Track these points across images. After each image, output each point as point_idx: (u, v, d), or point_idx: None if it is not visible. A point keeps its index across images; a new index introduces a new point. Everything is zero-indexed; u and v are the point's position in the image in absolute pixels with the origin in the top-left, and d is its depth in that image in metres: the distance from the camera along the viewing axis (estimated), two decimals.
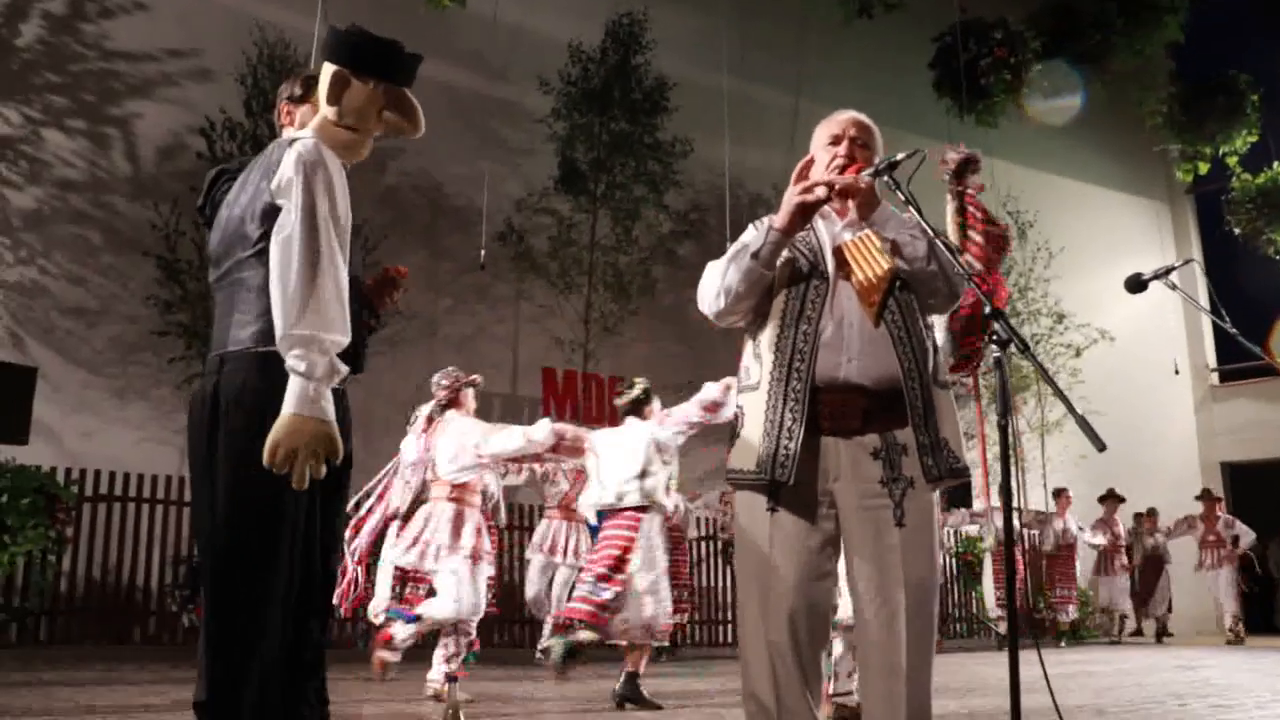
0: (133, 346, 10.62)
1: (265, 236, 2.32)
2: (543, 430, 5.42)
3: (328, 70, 2.46)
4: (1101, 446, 2.25)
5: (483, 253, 11.55)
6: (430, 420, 5.96)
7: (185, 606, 9.45)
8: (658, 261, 13.52)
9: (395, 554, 5.92)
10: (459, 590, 5.58)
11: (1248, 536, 13.81)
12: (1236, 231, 16.73)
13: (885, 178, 2.65)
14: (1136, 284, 3.73)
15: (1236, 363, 18.49)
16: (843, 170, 2.73)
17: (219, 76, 11.09)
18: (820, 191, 2.65)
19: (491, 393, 6.69)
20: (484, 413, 6.46)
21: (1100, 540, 13.68)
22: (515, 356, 13.22)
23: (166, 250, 10.32)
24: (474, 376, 6.04)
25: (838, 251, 2.71)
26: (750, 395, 2.73)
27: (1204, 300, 13.95)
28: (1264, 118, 16.34)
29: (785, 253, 2.72)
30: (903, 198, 2.61)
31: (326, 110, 2.46)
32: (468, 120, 12.66)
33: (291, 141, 2.37)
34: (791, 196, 2.65)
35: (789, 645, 2.61)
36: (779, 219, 2.67)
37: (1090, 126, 17.03)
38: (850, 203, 2.77)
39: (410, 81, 2.53)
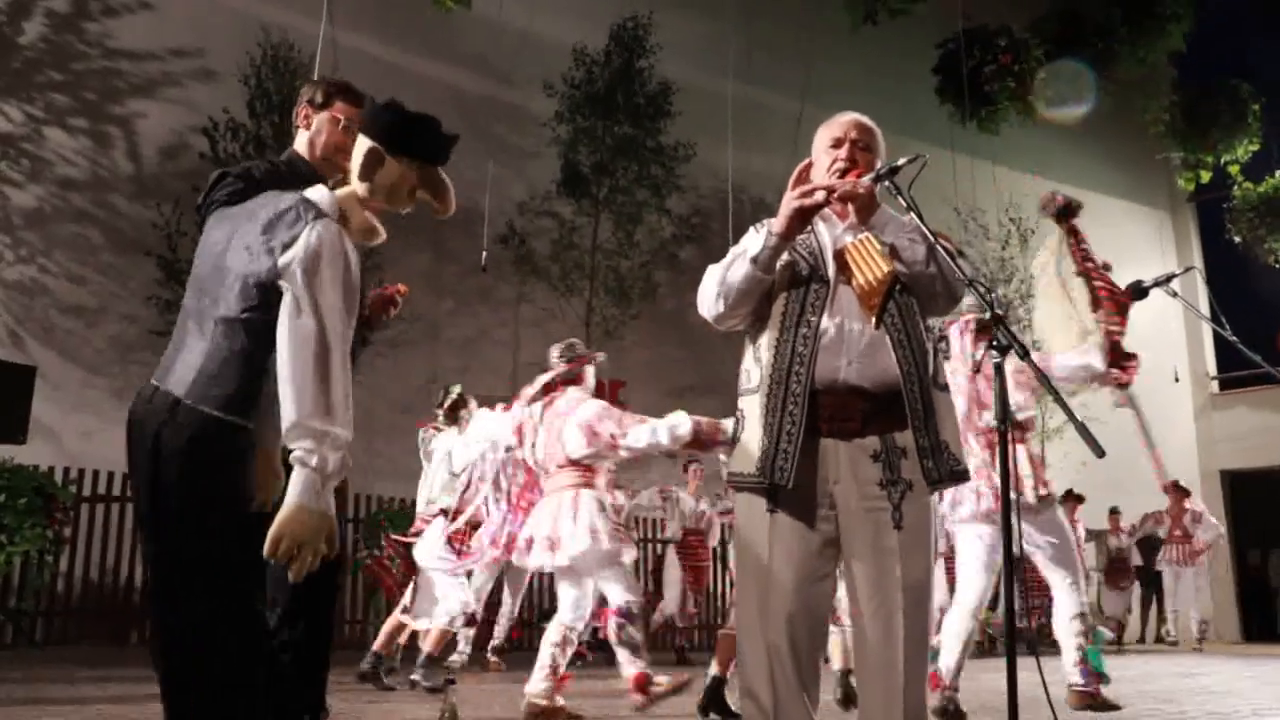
0: (133, 346, 10.61)
1: (255, 309, 2.27)
2: (685, 425, 4.91)
3: (363, 144, 2.43)
4: (1101, 453, 2.24)
5: (484, 254, 11.55)
6: (547, 391, 5.43)
7: None
8: (659, 266, 13.52)
9: (547, 559, 5.01)
10: (629, 577, 5.03)
11: (1212, 531, 13.27)
12: (1236, 240, 16.73)
13: (886, 183, 2.65)
14: (1138, 291, 3.76)
15: (1237, 370, 18.49)
16: (843, 174, 2.73)
17: (223, 77, 11.10)
18: (819, 196, 2.65)
19: (493, 396, 6.75)
20: None
21: None
22: (516, 359, 13.21)
23: (168, 250, 10.31)
24: (598, 354, 5.76)
25: (838, 254, 2.71)
26: (750, 398, 2.73)
27: (1205, 308, 13.95)
28: (1265, 127, 16.34)
29: (785, 256, 2.72)
30: (904, 203, 2.62)
31: (358, 186, 2.43)
32: (472, 122, 12.65)
33: (316, 215, 2.29)
34: (790, 201, 2.65)
35: (787, 647, 2.62)
36: (777, 224, 2.67)
37: (1093, 134, 17.03)
38: (850, 206, 2.77)
39: (445, 160, 2.50)
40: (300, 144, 2.97)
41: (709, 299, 2.78)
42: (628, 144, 13.01)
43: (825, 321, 2.65)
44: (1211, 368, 19.33)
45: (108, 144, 11.05)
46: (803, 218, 2.66)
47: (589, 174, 13.03)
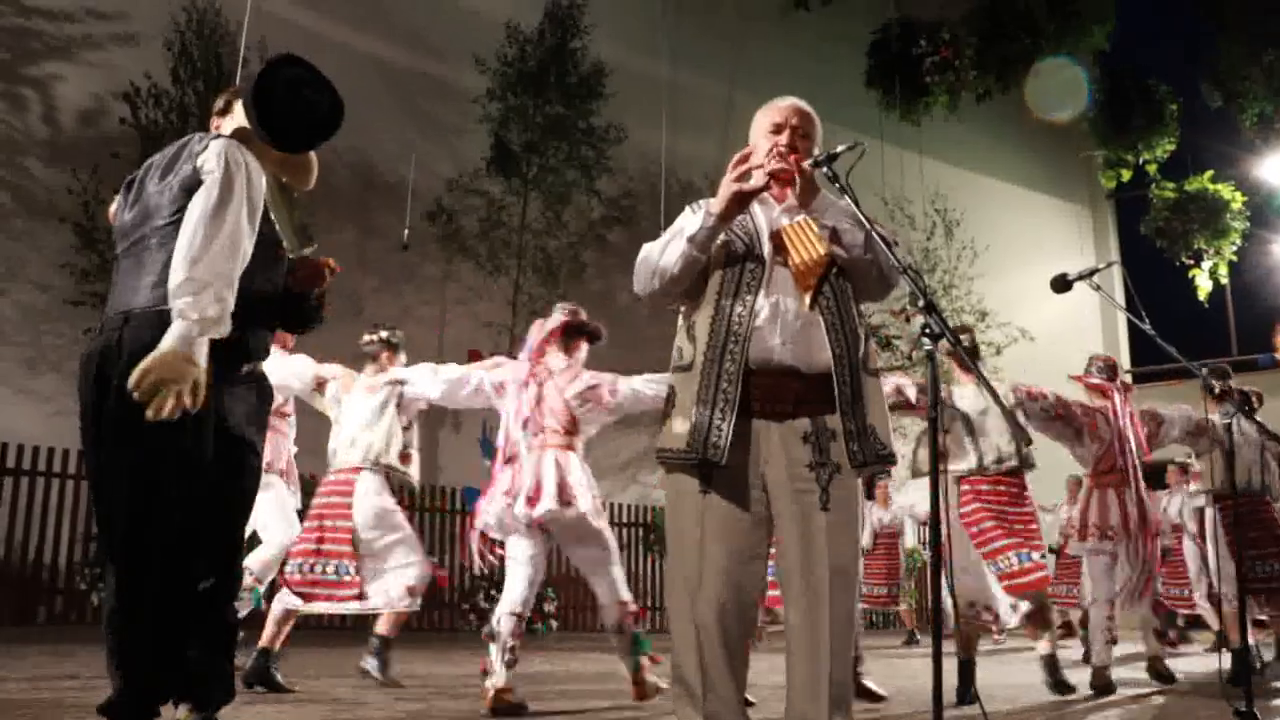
0: (45, 315, 10.30)
1: (181, 210, 2.43)
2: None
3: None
4: (1028, 440, 2.29)
5: (406, 232, 11.41)
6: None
7: (95, 585, 9.18)
8: (587, 246, 13.49)
9: None
10: None
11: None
12: (1143, 232, 17.15)
13: (824, 170, 2.67)
14: (1062, 284, 3.83)
15: (1149, 365, 18.99)
16: (783, 159, 2.74)
17: (146, 41, 10.78)
18: (758, 179, 2.66)
19: None
20: None
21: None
22: (441, 339, 13.09)
23: (84, 217, 10.01)
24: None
25: (775, 235, 2.72)
26: (683, 375, 2.74)
27: (1122, 302, 14.29)
28: (1182, 128, 16.78)
29: (722, 235, 2.73)
30: (841, 190, 2.63)
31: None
32: (402, 97, 12.50)
33: (216, 136, 2.56)
34: (729, 184, 2.66)
35: (716, 627, 2.63)
36: (716, 205, 2.68)
37: (1017, 129, 17.37)
38: (789, 190, 2.78)
39: (301, 150, 2.79)
40: None
41: (644, 276, 2.79)
42: (559, 124, 12.95)
43: (760, 300, 2.67)
44: (1126, 362, 19.84)
45: (22, 106, 10.68)
46: (741, 201, 2.67)
47: (519, 152, 12.93)
